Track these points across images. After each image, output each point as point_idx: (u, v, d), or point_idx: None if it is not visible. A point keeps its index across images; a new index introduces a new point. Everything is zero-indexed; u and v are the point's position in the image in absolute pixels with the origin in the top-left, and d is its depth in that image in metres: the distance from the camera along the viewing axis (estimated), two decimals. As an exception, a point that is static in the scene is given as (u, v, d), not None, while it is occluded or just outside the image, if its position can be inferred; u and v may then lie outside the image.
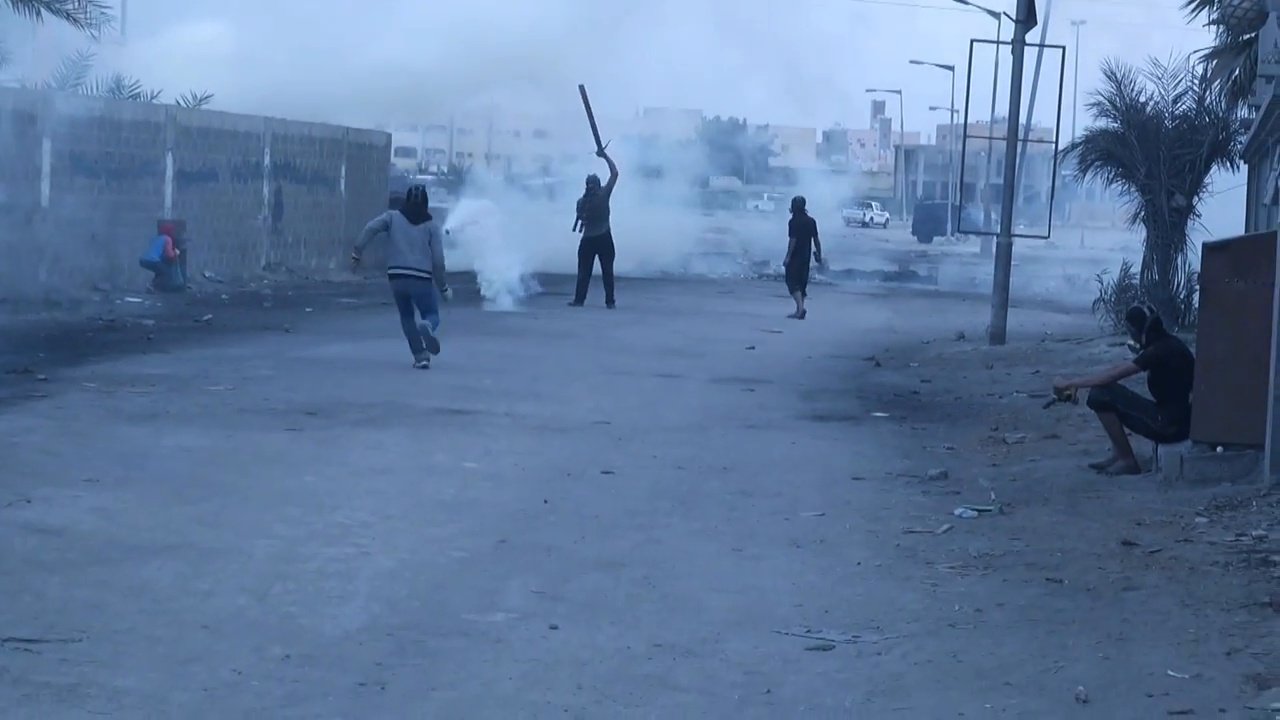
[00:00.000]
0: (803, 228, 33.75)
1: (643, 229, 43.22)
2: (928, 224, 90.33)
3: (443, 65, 46.47)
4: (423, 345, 20.88)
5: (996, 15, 48.70)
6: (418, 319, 20.97)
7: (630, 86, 61.23)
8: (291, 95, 41.89)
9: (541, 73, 49.53)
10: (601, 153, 35.31)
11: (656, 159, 54.76)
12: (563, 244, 35.14)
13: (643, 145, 55.79)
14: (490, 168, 65.69)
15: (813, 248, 33.76)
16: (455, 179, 48.38)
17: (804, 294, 33.37)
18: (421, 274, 20.95)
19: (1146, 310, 15.33)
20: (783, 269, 37.17)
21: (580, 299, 32.68)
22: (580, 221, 33.33)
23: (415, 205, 21.14)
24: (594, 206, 33.16)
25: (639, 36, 58.34)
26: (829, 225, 50.98)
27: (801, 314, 32.48)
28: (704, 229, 58.80)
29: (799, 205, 34.40)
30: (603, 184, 33.67)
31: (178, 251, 31.72)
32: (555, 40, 48.49)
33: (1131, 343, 15.40)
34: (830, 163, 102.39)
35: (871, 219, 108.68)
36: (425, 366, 20.75)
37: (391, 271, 21.14)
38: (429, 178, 64.24)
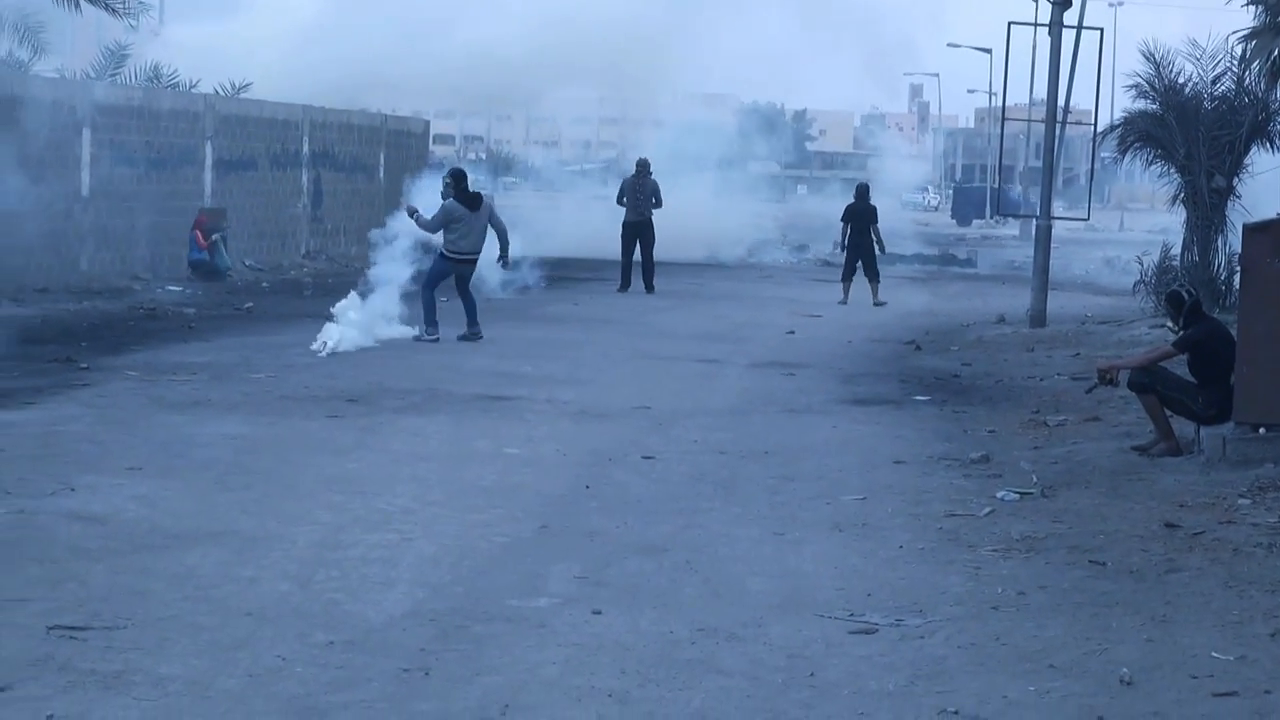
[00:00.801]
0: (860, 214, 32.59)
1: (712, 217, 43.23)
2: (967, 207, 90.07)
3: (525, 58, 46.53)
4: (436, 319, 22.25)
5: (1034, -3, 48.52)
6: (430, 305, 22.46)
7: (683, 72, 60.88)
8: (355, 82, 41.98)
9: (617, 64, 49.54)
10: None
11: (717, 148, 54.47)
12: (603, 229, 35.03)
13: (705, 133, 55.60)
14: (528, 154, 65.81)
15: (873, 236, 32.56)
16: (505, 164, 48.57)
17: (877, 281, 32.39)
18: (478, 257, 22.96)
19: (1185, 293, 15.23)
20: (838, 252, 36.69)
21: (625, 284, 32.55)
22: (625, 201, 32.96)
23: (464, 190, 22.43)
24: (640, 192, 32.91)
25: (695, 24, 58.23)
26: (887, 210, 50.31)
27: (843, 301, 31.98)
28: (782, 215, 58.76)
29: (862, 191, 33.42)
30: (650, 172, 33.29)
31: (217, 236, 31.90)
32: (628, 33, 48.52)
33: (1171, 325, 15.32)
34: (869, 148, 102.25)
35: (928, 202, 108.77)
36: (434, 340, 22.07)
37: (461, 257, 22.61)
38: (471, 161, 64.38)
